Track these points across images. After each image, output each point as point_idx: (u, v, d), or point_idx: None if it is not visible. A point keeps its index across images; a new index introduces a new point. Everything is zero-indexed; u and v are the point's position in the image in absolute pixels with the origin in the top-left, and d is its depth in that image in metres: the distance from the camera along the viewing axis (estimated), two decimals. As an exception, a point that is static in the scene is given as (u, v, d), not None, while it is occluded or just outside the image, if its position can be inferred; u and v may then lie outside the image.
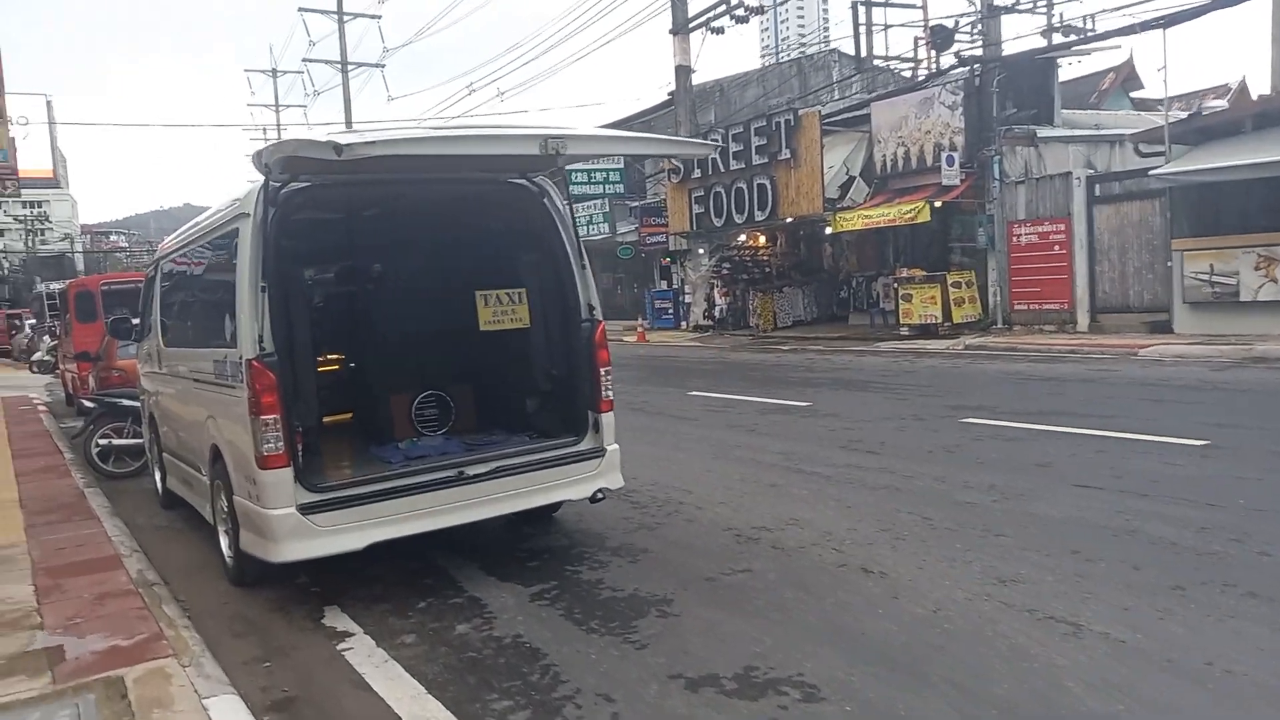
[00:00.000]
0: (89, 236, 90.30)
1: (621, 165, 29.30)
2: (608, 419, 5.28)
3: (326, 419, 6.02)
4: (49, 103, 39.78)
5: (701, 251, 25.21)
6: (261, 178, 4.51)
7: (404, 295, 6.22)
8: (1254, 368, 11.46)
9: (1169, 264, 15.24)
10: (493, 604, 4.55)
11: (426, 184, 5.18)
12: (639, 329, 25.76)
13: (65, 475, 8.03)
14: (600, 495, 5.23)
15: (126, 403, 8.57)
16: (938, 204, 18.11)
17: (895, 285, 19.66)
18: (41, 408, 13.56)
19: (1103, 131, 18.46)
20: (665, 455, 8.02)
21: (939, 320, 18.37)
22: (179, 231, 6.76)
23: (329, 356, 6.53)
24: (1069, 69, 21.65)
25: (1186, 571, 4.32)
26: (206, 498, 5.59)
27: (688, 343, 22.80)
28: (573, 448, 5.22)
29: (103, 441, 8.70)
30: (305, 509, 4.44)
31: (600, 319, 5.36)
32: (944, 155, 18.04)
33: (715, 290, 25.33)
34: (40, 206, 74.45)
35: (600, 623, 4.20)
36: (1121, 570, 4.39)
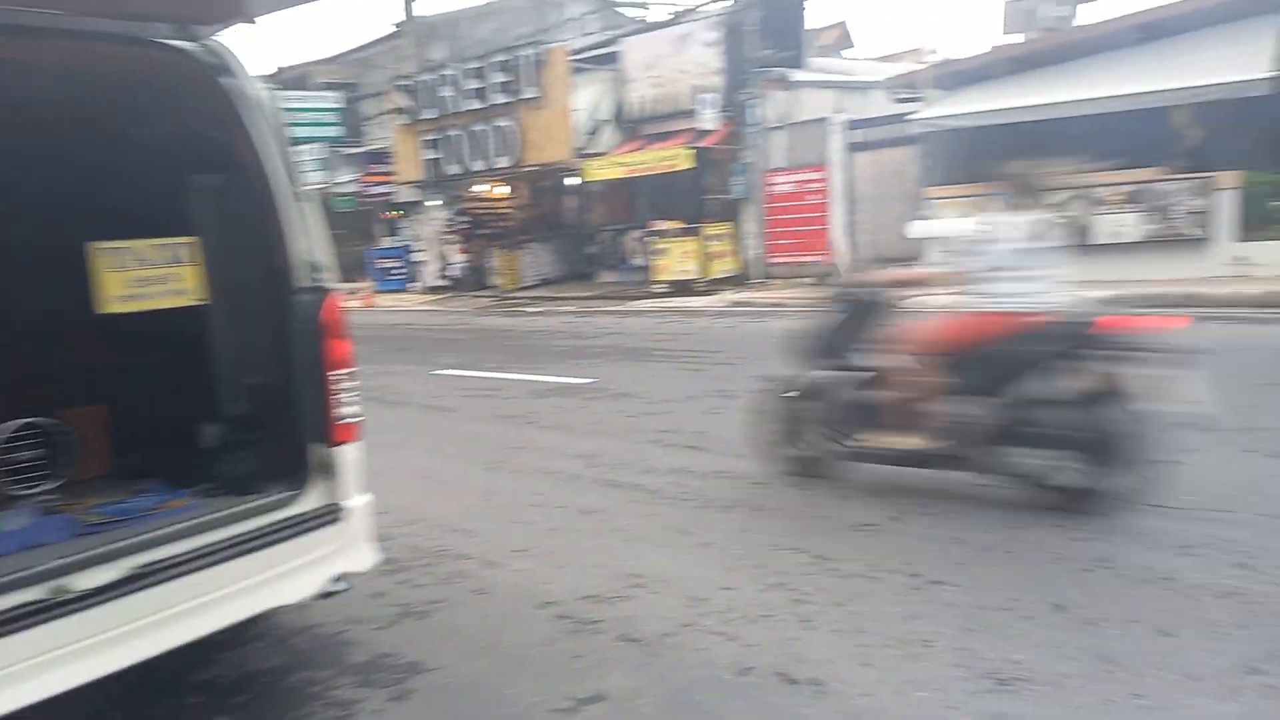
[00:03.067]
0: None
1: (339, 105, 25.79)
2: (349, 455, 3.15)
3: None
4: None
5: (435, 203, 22.62)
6: None
7: None
8: (1026, 318, 11.17)
9: (924, 213, 15.00)
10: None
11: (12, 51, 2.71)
12: (364, 292, 22.75)
13: None
14: (341, 586, 3.10)
15: None
16: (695, 150, 16.90)
17: (649, 239, 18.37)
18: None
19: (854, 78, 18.11)
20: (424, 468, 5.91)
21: (696, 276, 17.34)
22: None
23: None
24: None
25: None
26: None
27: (422, 306, 20.29)
28: (285, 510, 3.03)
29: None
30: None
31: (331, 287, 3.19)
32: (701, 98, 16.82)
33: (452, 247, 22.89)
34: None
35: None
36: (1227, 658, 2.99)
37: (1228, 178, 12.11)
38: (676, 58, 17.54)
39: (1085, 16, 15.93)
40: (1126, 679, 2.77)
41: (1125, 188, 12.88)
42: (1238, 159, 12.19)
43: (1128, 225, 12.91)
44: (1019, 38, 16.02)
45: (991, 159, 14.75)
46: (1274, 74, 11.10)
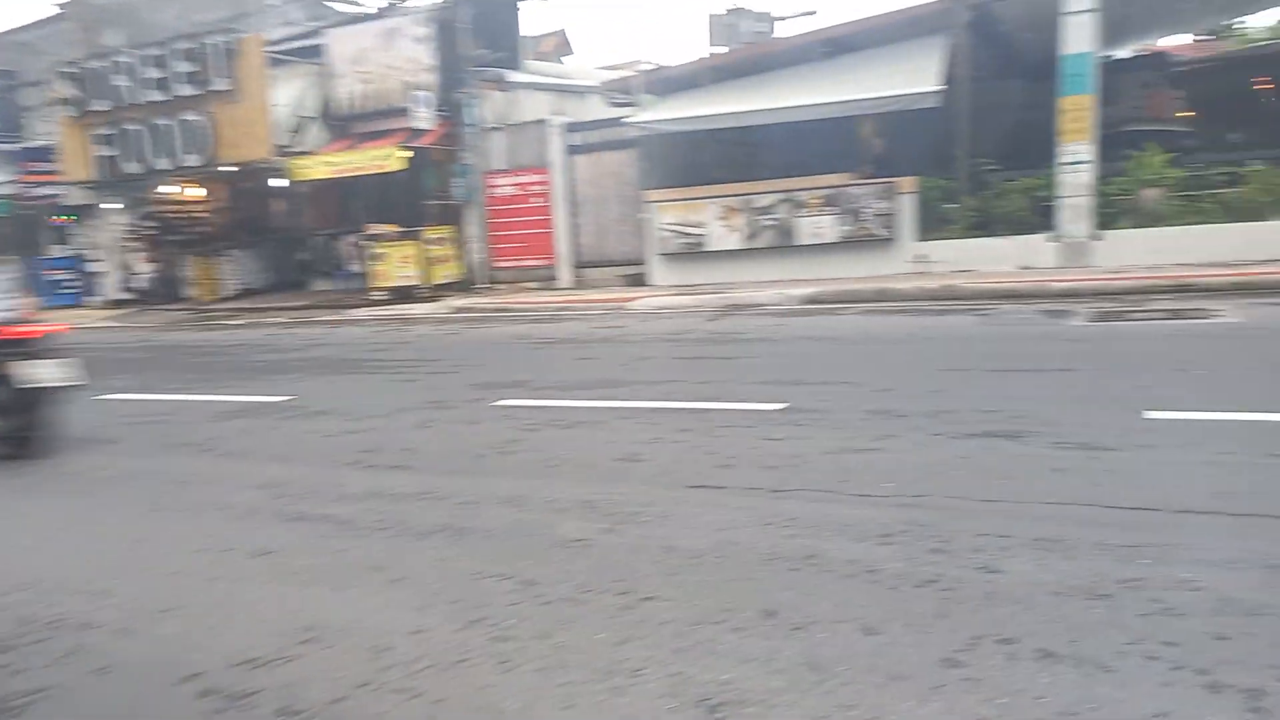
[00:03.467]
0: None
1: (-15, 93, 22.27)
2: None
3: None
4: None
5: (114, 206, 20.03)
6: None
7: None
8: (740, 315, 11.57)
9: (643, 216, 15.24)
10: None
11: None
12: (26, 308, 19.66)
13: None
14: None
15: None
16: (411, 150, 16.10)
17: (365, 244, 17.31)
18: None
19: (571, 82, 18.11)
20: (60, 516, 4.89)
21: (418, 282, 16.56)
22: None
23: None
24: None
25: (960, 623, 2.94)
26: None
27: (101, 323, 17.86)
28: None
29: None
30: None
31: None
32: (414, 96, 16.06)
33: (137, 255, 20.39)
34: None
35: None
36: (875, 643, 2.86)
37: (906, 183, 13.25)
38: (386, 53, 16.67)
39: (782, 31, 16.96)
40: (835, 687, 2.61)
41: (822, 192, 13.74)
42: (915, 165, 13.39)
43: (826, 227, 13.78)
44: (724, 49, 16.74)
45: (700, 160, 15.36)
46: (940, 88, 12.27)
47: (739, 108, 13.89)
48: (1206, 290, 10.00)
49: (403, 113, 16.39)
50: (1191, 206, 12.13)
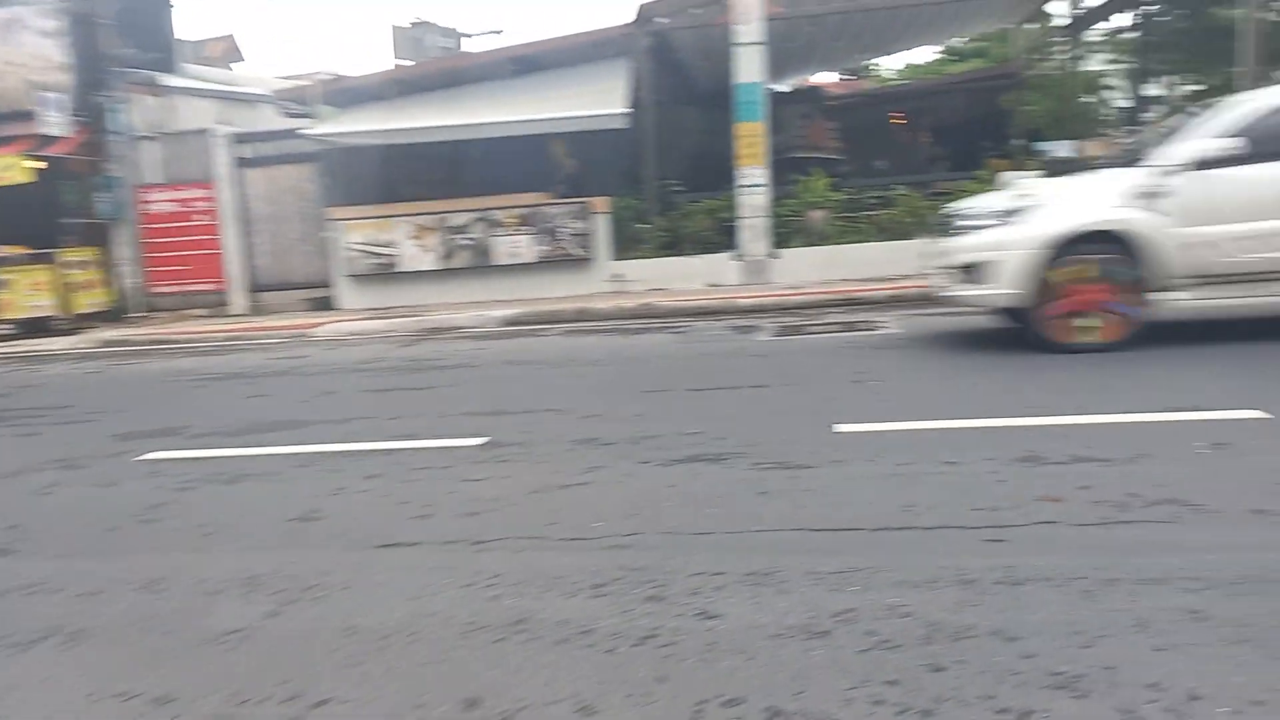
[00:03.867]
0: None
1: None
2: None
3: None
4: None
5: None
6: None
7: None
8: (437, 339, 11.00)
9: (328, 235, 14.16)
10: None
11: None
12: None
13: None
14: None
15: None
16: (41, 160, 13.76)
17: (-16, 269, 14.59)
18: None
19: (239, 89, 16.50)
20: None
21: (54, 312, 14.23)
22: None
23: None
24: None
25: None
26: None
27: None
28: None
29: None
30: None
31: None
32: (43, 97, 13.77)
33: None
34: None
35: None
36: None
37: (600, 203, 13.37)
38: (3, 46, 14.16)
39: (469, 47, 16.58)
40: (551, 792, 2.21)
41: (517, 211, 13.51)
42: (607, 185, 13.55)
43: (523, 247, 13.55)
44: (410, 62, 16.06)
45: (389, 176, 14.60)
46: (627, 110, 12.48)
47: (427, 122, 13.29)
48: (869, 303, 10.93)
49: (29, 116, 14.02)
50: (851, 227, 13.30)
